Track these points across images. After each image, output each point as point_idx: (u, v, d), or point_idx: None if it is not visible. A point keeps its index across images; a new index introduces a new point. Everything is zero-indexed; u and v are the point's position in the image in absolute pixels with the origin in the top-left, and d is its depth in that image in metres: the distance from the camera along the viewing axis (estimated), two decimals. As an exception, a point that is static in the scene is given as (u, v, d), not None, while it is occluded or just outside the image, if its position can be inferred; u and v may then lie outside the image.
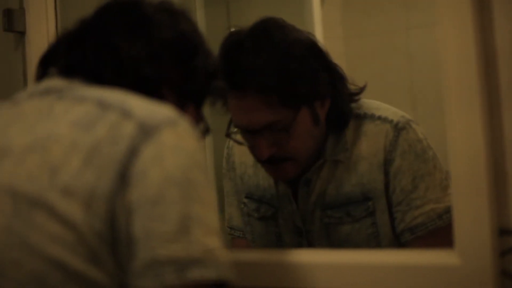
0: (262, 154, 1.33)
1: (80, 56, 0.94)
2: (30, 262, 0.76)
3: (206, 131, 1.05)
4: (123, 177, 0.77)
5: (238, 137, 1.40)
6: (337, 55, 2.81)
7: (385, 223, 1.37)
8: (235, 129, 1.40)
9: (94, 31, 0.96)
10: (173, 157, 0.79)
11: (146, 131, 0.79)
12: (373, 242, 1.37)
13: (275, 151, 1.33)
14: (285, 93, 1.28)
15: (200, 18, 2.50)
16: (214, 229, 0.79)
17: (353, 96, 1.41)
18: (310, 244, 1.41)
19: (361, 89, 1.42)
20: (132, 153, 0.77)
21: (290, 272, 1.13)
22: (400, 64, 2.74)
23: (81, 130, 0.80)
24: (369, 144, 1.38)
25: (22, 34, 1.57)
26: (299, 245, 1.42)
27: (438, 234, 1.32)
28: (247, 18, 2.73)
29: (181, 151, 0.80)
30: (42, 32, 1.54)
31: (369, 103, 1.43)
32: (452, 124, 0.99)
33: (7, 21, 1.56)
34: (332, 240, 1.39)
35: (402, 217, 1.35)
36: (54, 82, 0.92)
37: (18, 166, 0.80)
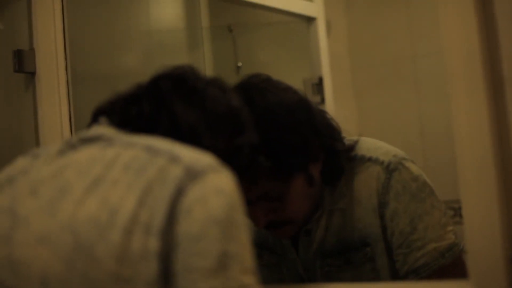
0: (259, 223, 1.29)
1: (136, 113, 1.00)
2: None
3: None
4: (171, 215, 0.82)
5: None
6: (345, 86, 2.83)
7: (384, 266, 1.34)
8: None
9: (151, 95, 1.03)
10: (216, 199, 0.84)
11: (192, 175, 0.85)
12: None
13: (272, 217, 1.30)
14: (273, 167, 1.23)
15: (207, 53, 2.52)
16: (250, 267, 0.84)
17: (348, 151, 1.36)
18: None
19: (355, 142, 1.37)
20: (179, 193, 0.83)
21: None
22: (408, 93, 2.75)
23: (134, 173, 0.86)
24: (362, 188, 1.34)
25: (32, 74, 1.58)
26: None
27: (442, 272, 1.28)
28: (253, 52, 2.76)
29: (223, 194, 0.85)
30: (52, 72, 1.55)
31: (360, 143, 1.38)
32: (462, 156, 1.00)
33: (18, 62, 1.57)
34: None
35: (404, 259, 1.31)
36: (103, 129, 0.98)
37: (78, 206, 0.85)
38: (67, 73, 1.56)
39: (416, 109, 2.74)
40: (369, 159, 1.35)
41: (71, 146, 0.95)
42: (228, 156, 1.00)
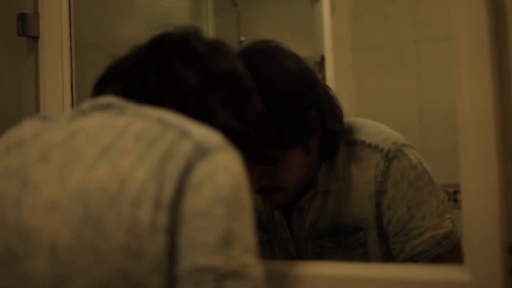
0: (252, 187, 1.27)
1: (140, 81, 0.99)
2: (98, 268, 0.80)
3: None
4: (180, 189, 0.82)
5: None
6: (346, 67, 2.83)
7: (376, 253, 1.35)
8: None
9: (152, 59, 1.01)
10: (224, 177, 0.84)
11: (202, 151, 0.85)
12: None
13: (266, 183, 1.30)
14: (272, 136, 1.24)
15: (210, 27, 2.52)
16: (253, 247, 0.85)
17: (344, 132, 1.35)
18: None
19: (351, 128, 1.36)
20: (188, 169, 0.83)
21: (298, 284, 1.13)
22: (409, 77, 2.74)
23: (145, 144, 0.85)
24: (359, 174, 1.34)
25: (35, 39, 1.57)
26: None
27: (439, 260, 1.29)
28: (257, 27, 2.76)
29: (231, 172, 0.85)
30: (55, 37, 1.54)
31: (361, 127, 1.38)
32: (464, 143, 0.99)
33: (21, 25, 1.56)
34: None
35: (401, 247, 1.32)
36: (113, 99, 0.96)
37: (88, 173, 0.84)
38: (70, 39, 1.55)
39: (416, 93, 2.73)
40: (369, 146, 1.35)
41: (82, 112, 0.94)
42: (237, 126, 1.00)
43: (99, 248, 0.81)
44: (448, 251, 1.30)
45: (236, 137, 0.97)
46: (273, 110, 1.21)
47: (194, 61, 1.01)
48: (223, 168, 0.85)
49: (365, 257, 1.35)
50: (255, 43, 1.32)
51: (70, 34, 1.55)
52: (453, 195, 2.36)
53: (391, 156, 1.32)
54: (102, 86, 1.02)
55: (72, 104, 1.55)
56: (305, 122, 1.27)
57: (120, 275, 0.80)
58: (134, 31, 2.28)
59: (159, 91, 0.98)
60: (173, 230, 0.81)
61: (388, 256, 1.35)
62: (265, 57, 1.27)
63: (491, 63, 0.97)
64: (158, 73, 0.99)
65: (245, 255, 0.83)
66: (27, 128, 0.95)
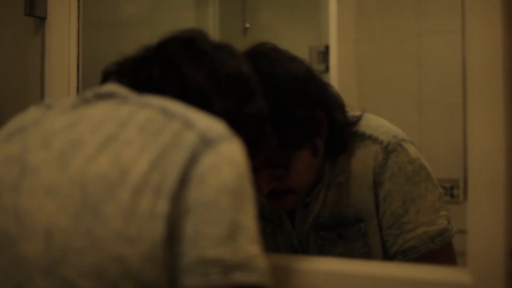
0: (262, 190, 1.29)
1: (145, 76, 1.00)
2: (93, 253, 0.81)
3: None
4: (184, 180, 0.83)
5: None
6: (349, 57, 2.82)
7: (377, 244, 1.35)
8: None
9: (159, 57, 1.02)
10: (228, 168, 0.85)
11: (206, 142, 0.85)
12: None
13: (275, 185, 1.30)
14: (279, 138, 1.23)
15: (216, 12, 2.50)
16: (257, 238, 0.86)
17: (351, 125, 1.36)
18: None
19: (359, 118, 1.37)
20: (193, 159, 0.84)
21: (299, 279, 1.13)
22: (410, 69, 2.74)
23: (148, 136, 0.86)
24: (359, 165, 1.34)
25: (42, 19, 1.56)
26: None
27: (431, 256, 1.30)
28: (262, 14, 2.75)
29: (235, 163, 0.86)
30: (63, 18, 1.53)
31: (363, 119, 1.38)
32: (474, 145, 1.00)
33: (29, 5, 1.55)
34: None
35: (394, 240, 1.33)
36: (117, 88, 0.97)
37: (89, 162, 0.85)
38: (78, 21, 1.54)
39: (416, 86, 2.73)
40: (369, 137, 1.35)
41: (85, 101, 0.95)
42: (237, 123, 1.00)
43: (95, 233, 0.81)
44: (441, 248, 1.31)
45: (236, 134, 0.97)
46: (281, 111, 1.22)
47: (200, 61, 1.01)
48: (227, 159, 0.85)
49: (366, 248, 1.35)
50: (255, 46, 1.31)
51: (78, 16, 1.54)
52: (450, 190, 2.37)
53: (390, 148, 1.33)
54: (107, 79, 1.03)
55: (78, 87, 1.55)
56: (313, 122, 1.28)
57: (114, 260, 0.81)
58: (139, 12, 2.27)
59: (163, 87, 0.98)
60: (175, 220, 0.82)
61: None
62: (268, 59, 1.26)
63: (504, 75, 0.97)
64: (164, 70, 1.00)
65: (251, 246, 0.84)
66: (30, 114, 0.96)
